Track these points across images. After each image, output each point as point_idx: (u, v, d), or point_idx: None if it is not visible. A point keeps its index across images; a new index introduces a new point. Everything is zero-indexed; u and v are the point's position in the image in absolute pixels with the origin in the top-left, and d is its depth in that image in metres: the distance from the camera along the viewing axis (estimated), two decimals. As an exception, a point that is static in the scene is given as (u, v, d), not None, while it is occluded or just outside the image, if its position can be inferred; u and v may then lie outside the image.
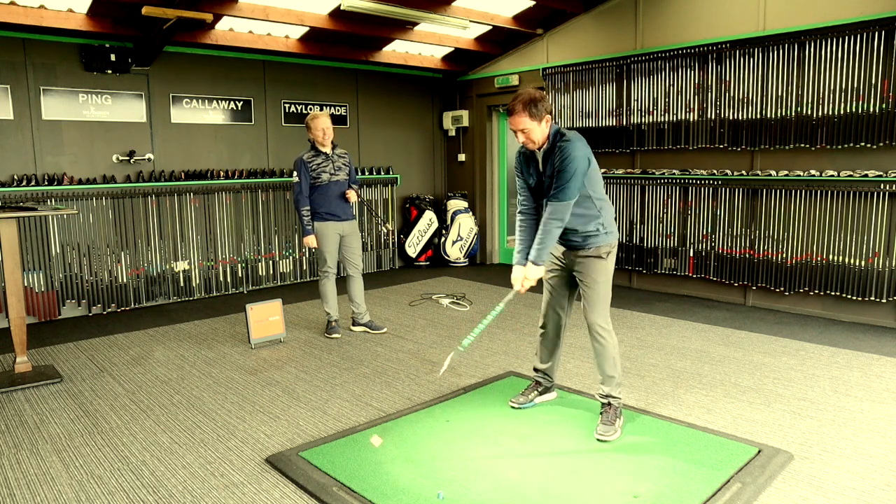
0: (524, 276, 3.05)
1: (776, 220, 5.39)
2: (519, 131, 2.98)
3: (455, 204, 8.14)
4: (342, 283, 5.02)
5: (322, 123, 4.68)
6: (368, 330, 4.96)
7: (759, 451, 2.83)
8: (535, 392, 3.44)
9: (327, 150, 4.73)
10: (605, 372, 3.11)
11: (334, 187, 4.73)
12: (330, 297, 4.85)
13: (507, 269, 7.92)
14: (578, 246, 3.10)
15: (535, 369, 3.47)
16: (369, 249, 7.68)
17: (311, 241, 4.71)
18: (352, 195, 4.79)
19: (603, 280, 3.08)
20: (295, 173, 4.69)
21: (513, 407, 3.39)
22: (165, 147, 6.18)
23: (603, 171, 5.54)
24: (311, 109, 7.17)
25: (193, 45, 6.04)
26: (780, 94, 5.24)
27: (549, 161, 2.99)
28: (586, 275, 3.10)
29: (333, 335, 4.82)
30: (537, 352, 3.44)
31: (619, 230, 6.48)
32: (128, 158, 5.93)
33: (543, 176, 3.05)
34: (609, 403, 3.10)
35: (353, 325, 5.01)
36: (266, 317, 4.67)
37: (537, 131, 2.96)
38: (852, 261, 4.99)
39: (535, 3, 6.37)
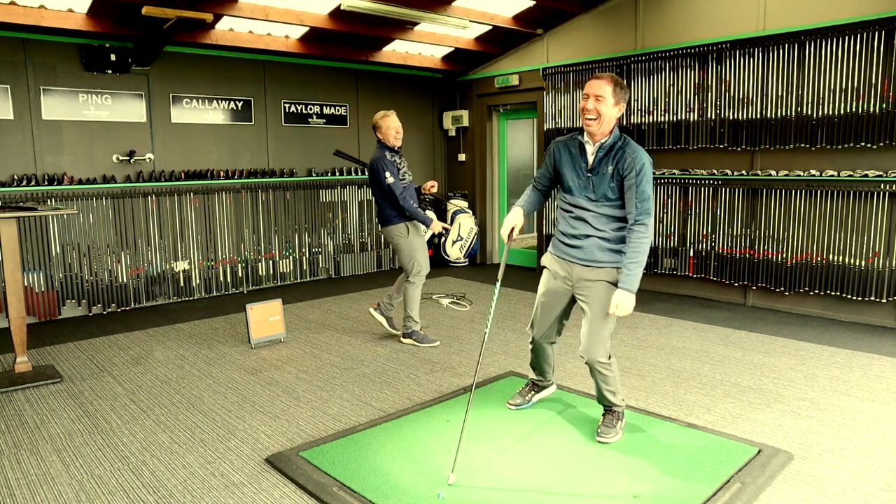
0: (617, 304, 2.73)
1: (776, 220, 5.39)
2: (593, 96, 2.72)
3: (455, 204, 8.15)
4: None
5: (394, 123, 4.48)
6: (384, 323, 4.80)
7: (759, 451, 2.83)
8: (533, 392, 3.41)
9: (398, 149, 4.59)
10: (606, 397, 3.01)
11: (411, 189, 4.59)
12: (418, 303, 4.64)
13: (507, 268, 7.92)
14: (599, 264, 2.85)
15: (533, 379, 3.43)
16: (369, 249, 7.68)
17: (440, 224, 4.58)
18: (434, 186, 4.72)
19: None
20: (388, 174, 4.41)
21: (511, 408, 3.37)
22: (165, 147, 6.18)
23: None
24: (311, 109, 7.17)
25: (193, 45, 6.04)
26: (780, 94, 5.24)
27: (605, 160, 2.77)
28: (597, 303, 2.86)
29: (435, 343, 4.62)
30: (533, 365, 3.31)
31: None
32: (128, 158, 5.93)
33: (589, 173, 2.81)
34: (612, 409, 3.08)
35: (374, 309, 4.84)
36: (266, 317, 4.67)
37: (608, 110, 2.72)
38: (852, 261, 4.99)
39: (535, 3, 6.37)
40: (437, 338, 4.71)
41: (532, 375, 3.42)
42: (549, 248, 3.07)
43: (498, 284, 3.00)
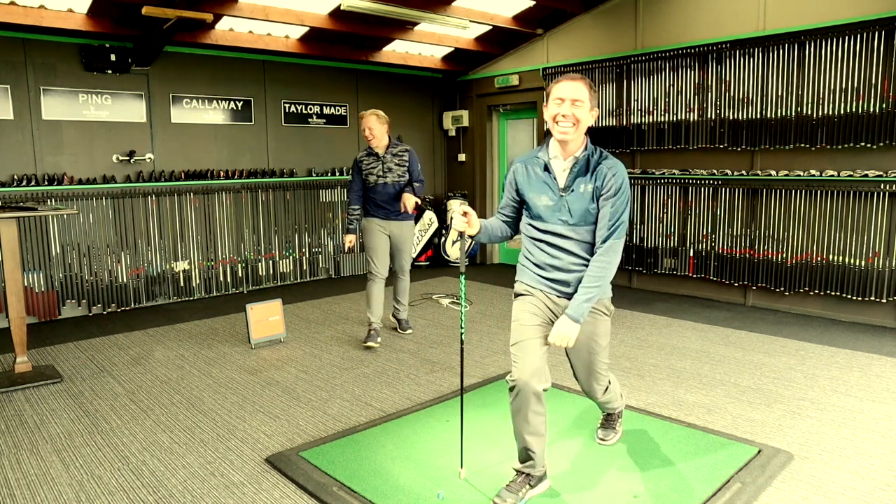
0: (557, 332, 2.38)
1: (776, 220, 5.39)
2: (570, 100, 2.33)
3: (455, 204, 8.15)
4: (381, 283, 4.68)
5: (366, 123, 4.53)
6: (397, 328, 4.92)
7: (759, 451, 2.83)
8: (527, 487, 2.49)
9: (379, 150, 4.58)
10: (607, 407, 2.93)
11: (382, 189, 4.57)
12: (373, 301, 4.60)
13: (507, 268, 7.94)
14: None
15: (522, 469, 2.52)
16: (369, 249, 7.68)
17: (347, 239, 4.66)
18: (409, 201, 4.51)
19: (608, 342, 2.62)
20: (351, 171, 4.68)
21: None
22: (165, 147, 6.18)
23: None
24: (311, 109, 7.17)
25: (193, 45, 6.04)
26: (780, 94, 5.24)
27: (581, 177, 2.40)
28: (594, 336, 2.56)
29: (369, 343, 4.50)
30: (523, 439, 2.44)
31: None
32: (128, 158, 5.93)
33: (562, 193, 2.42)
34: (612, 413, 3.04)
35: (393, 316, 4.98)
36: (266, 317, 4.67)
37: (586, 116, 2.36)
38: (852, 261, 4.98)
39: (535, 3, 6.37)
40: (411, 339, 4.64)
41: (518, 465, 2.52)
42: (522, 280, 2.56)
43: (462, 278, 2.61)
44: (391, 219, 4.64)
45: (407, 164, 4.65)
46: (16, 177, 5.36)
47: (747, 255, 5.59)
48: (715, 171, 5.73)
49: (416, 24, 6.45)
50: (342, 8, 5.63)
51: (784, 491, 2.54)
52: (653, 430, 3.10)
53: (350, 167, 4.67)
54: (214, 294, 6.48)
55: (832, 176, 5.01)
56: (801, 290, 5.30)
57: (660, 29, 6.03)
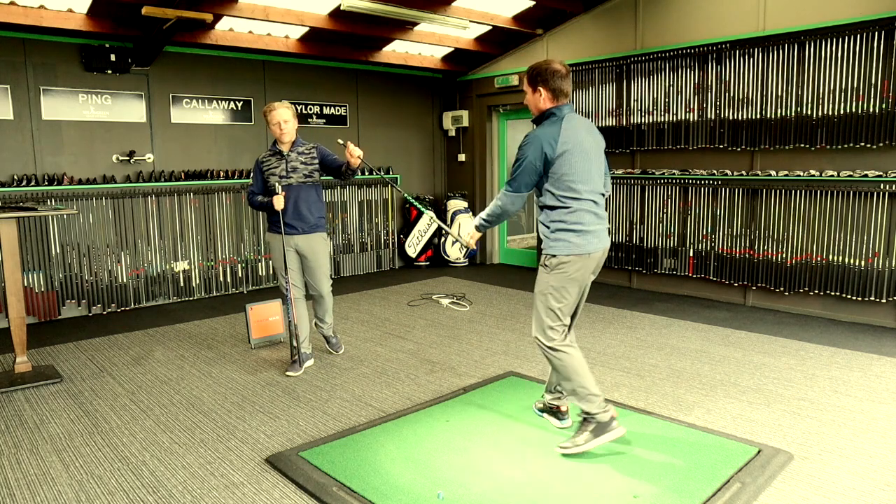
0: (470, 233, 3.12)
1: (776, 220, 5.39)
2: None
3: (455, 204, 8.14)
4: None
5: (279, 116, 3.89)
6: (326, 345, 4.46)
7: (759, 451, 2.83)
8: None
9: (284, 148, 4.00)
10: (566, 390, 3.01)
11: (288, 192, 3.96)
12: (300, 324, 4.08)
13: (507, 268, 7.94)
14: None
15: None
16: (369, 249, 7.68)
17: (277, 199, 3.88)
18: (350, 154, 3.84)
19: (540, 290, 2.90)
20: (252, 174, 4.10)
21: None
22: (165, 147, 6.18)
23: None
24: (311, 109, 7.17)
25: (193, 45, 6.04)
26: (780, 94, 5.24)
27: None
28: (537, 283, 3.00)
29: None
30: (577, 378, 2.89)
31: (618, 230, 6.51)
32: (128, 158, 5.93)
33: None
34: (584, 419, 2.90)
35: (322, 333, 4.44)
36: (266, 317, 4.67)
37: (529, 99, 2.93)
38: (852, 261, 4.99)
39: (535, 3, 6.37)
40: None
41: (581, 404, 2.88)
42: (575, 245, 2.81)
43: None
44: (297, 233, 4.01)
45: (316, 161, 4.07)
46: (16, 177, 5.37)
47: (747, 255, 5.59)
48: (715, 171, 5.73)
49: (415, 24, 6.45)
50: (342, 8, 5.63)
51: (784, 491, 2.54)
52: (653, 430, 3.10)
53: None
54: (214, 294, 6.48)
55: (832, 176, 5.01)
56: (801, 291, 5.30)
57: (660, 29, 6.03)
